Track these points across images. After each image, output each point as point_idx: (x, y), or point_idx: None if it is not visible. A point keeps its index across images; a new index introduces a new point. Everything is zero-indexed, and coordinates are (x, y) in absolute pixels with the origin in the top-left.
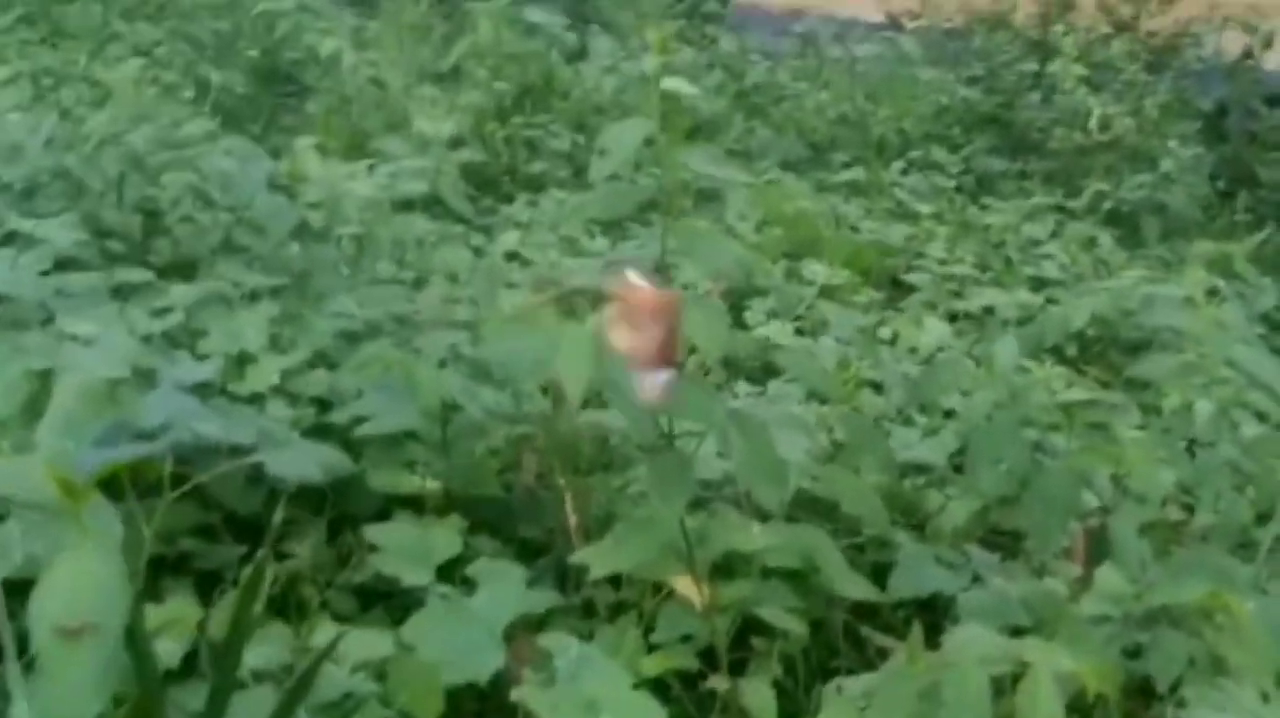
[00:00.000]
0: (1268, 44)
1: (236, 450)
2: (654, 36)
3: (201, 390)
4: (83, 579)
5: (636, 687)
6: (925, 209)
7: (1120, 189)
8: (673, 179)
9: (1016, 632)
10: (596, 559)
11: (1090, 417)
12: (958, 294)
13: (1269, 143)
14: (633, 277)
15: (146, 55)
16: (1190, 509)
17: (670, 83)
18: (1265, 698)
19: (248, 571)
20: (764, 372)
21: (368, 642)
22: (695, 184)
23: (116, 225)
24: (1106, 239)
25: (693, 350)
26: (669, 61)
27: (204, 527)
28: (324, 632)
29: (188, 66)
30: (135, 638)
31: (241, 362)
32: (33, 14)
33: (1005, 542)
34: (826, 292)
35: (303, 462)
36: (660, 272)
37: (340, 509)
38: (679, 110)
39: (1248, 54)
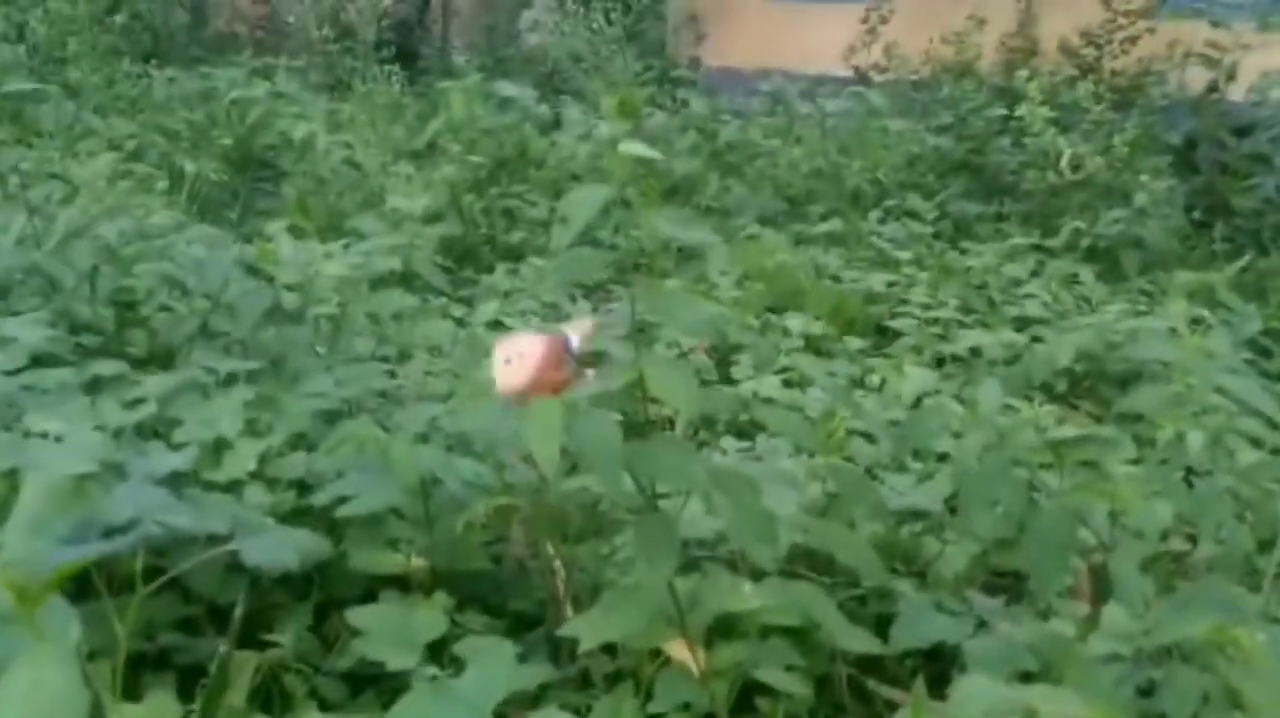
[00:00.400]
0: (1231, 76)
1: (213, 540)
2: (609, 103)
3: (176, 480)
4: (40, 689)
5: None
6: (905, 256)
7: (1096, 225)
8: (644, 241)
9: (1025, 677)
10: (586, 630)
11: (1081, 454)
12: (943, 338)
13: (1240, 172)
14: (519, 333)
15: (119, 149)
16: (1194, 539)
17: (628, 146)
18: None
19: (221, 655)
20: (753, 426)
21: None
22: (675, 244)
23: (90, 319)
24: (1087, 275)
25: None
26: (636, 125)
27: (185, 620)
28: None
29: (162, 158)
30: None
31: (218, 449)
32: (3, 114)
33: (1008, 583)
34: (811, 342)
35: (279, 548)
36: (638, 333)
37: (325, 593)
38: (650, 172)
39: (1213, 87)
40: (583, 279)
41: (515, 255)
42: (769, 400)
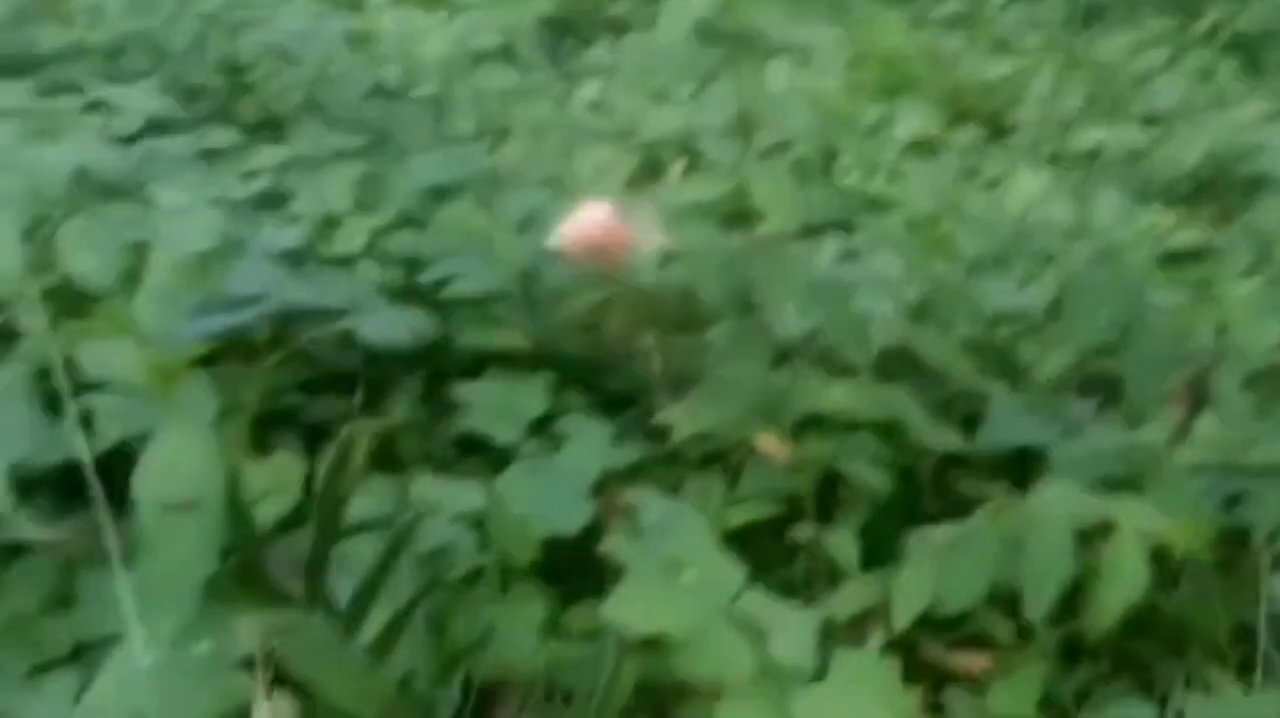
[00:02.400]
0: None
1: (330, 314)
2: None
3: (293, 256)
4: (180, 459)
5: (721, 540)
6: (1030, 42)
7: (1242, 14)
8: (749, 30)
9: (1111, 483)
10: (680, 420)
11: (1196, 272)
12: (1063, 133)
13: None
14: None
15: None
16: None
17: None
18: None
19: (342, 431)
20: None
21: (464, 495)
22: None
23: (202, 85)
24: (1226, 69)
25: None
26: None
27: (308, 383)
28: (422, 483)
29: None
30: (235, 505)
31: (330, 223)
32: None
33: (1103, 388)
34: (920, 138)
35: (392, 326)
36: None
37: (434, 365)
38: None
39: None
40: (686, 76)
41: (618, 28)
42: (872, 199)
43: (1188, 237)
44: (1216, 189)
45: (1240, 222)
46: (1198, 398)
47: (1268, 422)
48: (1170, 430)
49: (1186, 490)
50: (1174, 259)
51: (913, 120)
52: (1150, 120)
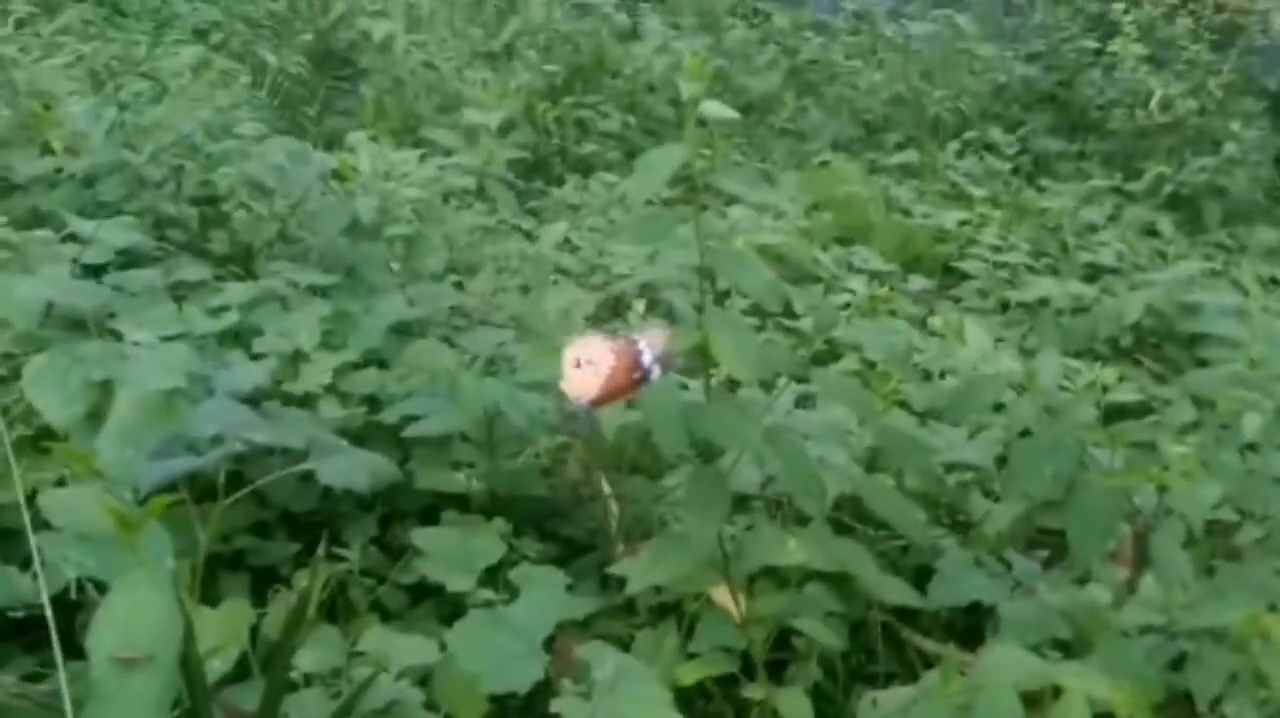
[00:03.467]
0: None
1: (289, 452)
2: (690, 61)
3: (256, 392)
4: (139, 611)
5: (674, 697)
6: (979, 192)
7: (1181, 172)
8: (712, 176)
9: (1058, 643)
10: (635, 573)
11: (1137, 433)
12: (1011, 283)
13: None
14: (591, 338)
15: (204, 38)
16: (1242, 514)
17: (709, 106)
18: None
19: (302, 574)
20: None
21: (414, 648)
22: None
23: (175, 216)
24: (1166, 224)
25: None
26: (716, 39)
27: (260, 525)
28: (372, 635)
29: (245, 47)
30: (188, 660)
31: (295, 360)
32: None
33: (1050, 542)
34: (875, 281)
35: (351, 469)
36: (699, 285)
37: (389, 506)
38: (727, 89)
39: None
40: (653, 240)
41: (586, 168)
42: (829, 343)
43: (1130, 392)
44: (1159, 342)
45: (1181, 378)
46: (1142, 556)
47: (1208, 583)
48: (1115, 590)
49: (1131, 653)
50: (1117, 414)
51: (866, 266)
52: (1094, 272)
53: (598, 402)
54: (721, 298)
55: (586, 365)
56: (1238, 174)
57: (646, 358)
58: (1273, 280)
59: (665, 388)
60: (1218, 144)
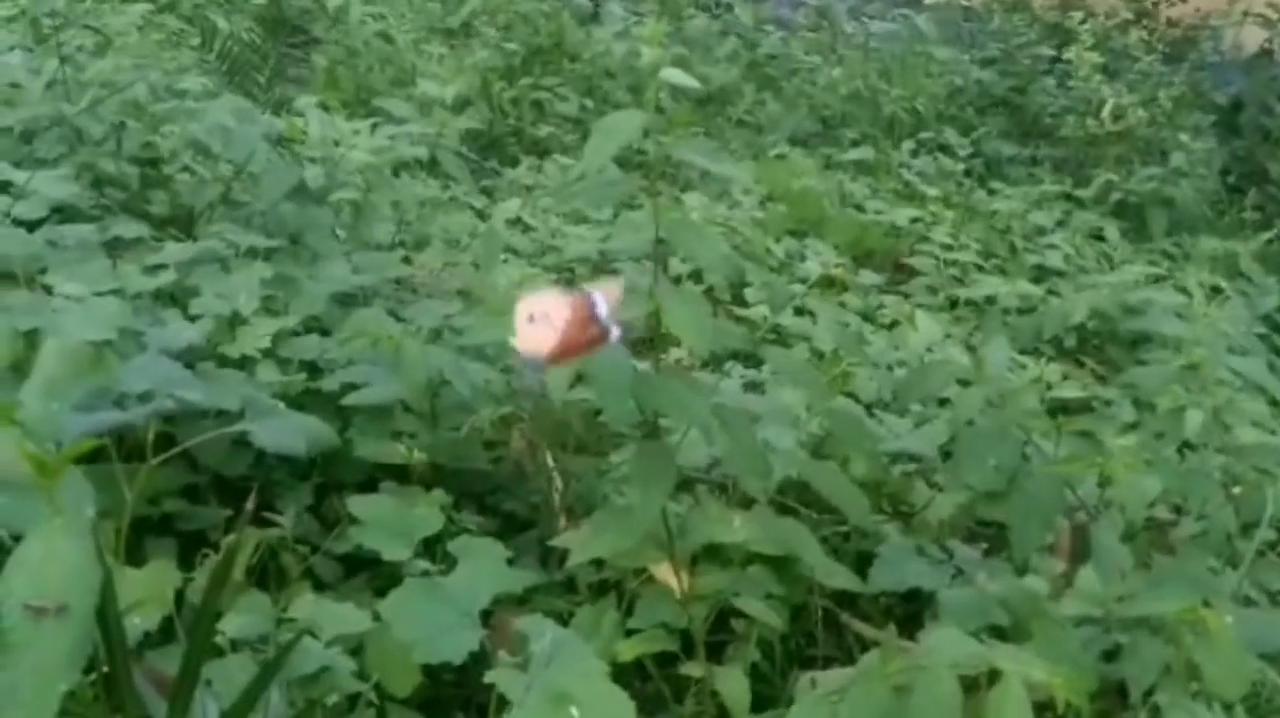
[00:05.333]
0: None
1: (223, 415)
2: (652, 28)
3: (190, 353)
4: (53, 559)
5: (612, 673)
6: (933, 191)
7: (1130, 180)
8: (669, 161)
9: (996, 630)
10: (577, 545)
11: (1080, 423)
12: (960, 281)
13: None
14: (544, 291)
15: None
16: (1179, 510)
17: (670, 73)
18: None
19: (228, 540)
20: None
21: (345, 616)
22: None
23: (114, 174)
24: (1113, 231)
25: (679, 341)
26: (676, 28)
27: (189, 488)
28: (303, 602)
29: (195, 10)
30: (105, 615)
31: (233, 323)
32: None
33: (990, 534)
34: (827, 275)
35: (288, 433)
36: (654, 258)
37: (326, 475)
38: (681, 91)
39: (1267, 50)
40: (605, 204)
41: (541, 150)
42: (778, 329)
43: (1073, 389)
44: (1102, 344)
45: (1121, 380)
46: (1079, 549)
47: (1145, 575)
48: (1052, 582)
49: (1068, 641)
50: (1059, 410)
51: (819, 258)
52: (1041, 274)
53: (551, 357)
54: (675, 282)
55: (541, 319)
56: (1184, 185)
57: (602, 311)
58: (1215, 289)
59: (615, 358)
60: (1166, 155)
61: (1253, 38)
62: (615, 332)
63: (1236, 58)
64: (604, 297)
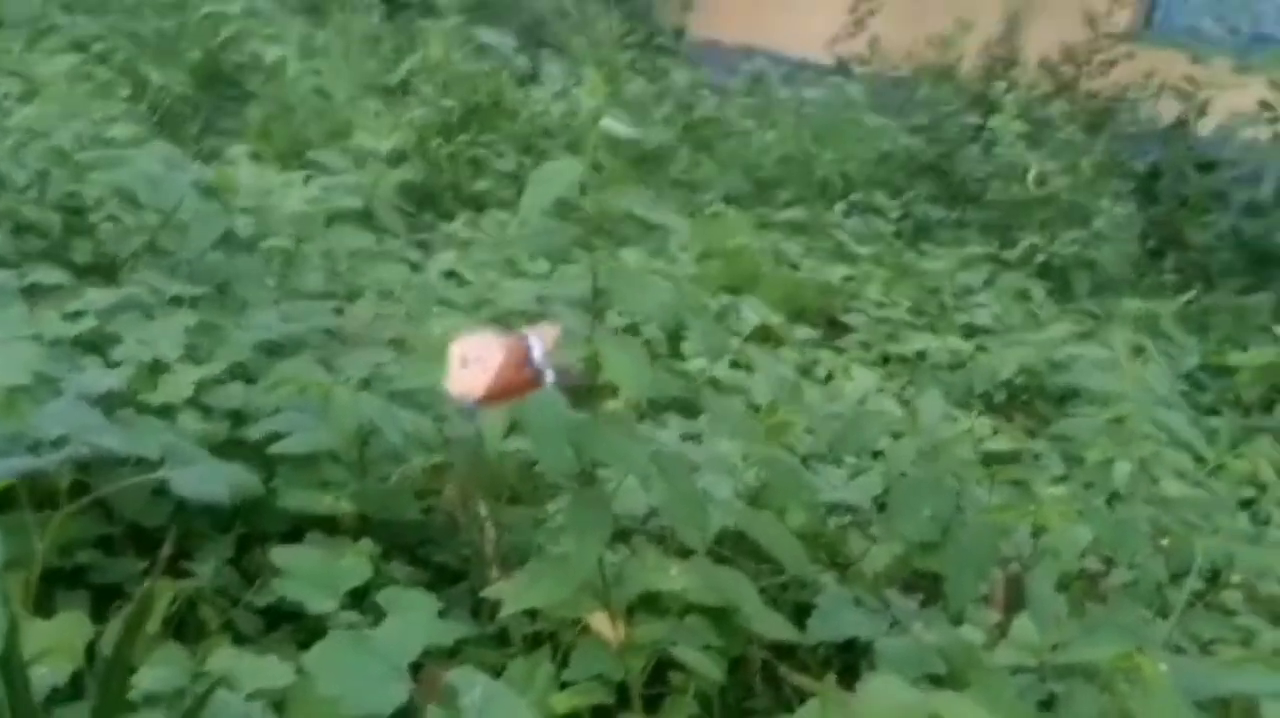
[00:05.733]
0: (1202, 112)
1: (142, 463)
2: (593, 75)
3: (109, 400)
4: None
5: None
6: (864, 251)
7: (1054, 243)
8: (606, 215)
9: (933, 679)
10: (511, 595)
11: (1012, 473)
12: (892, 337)
13: (1199, 206)
14: (477, 333)
15: (84, 49)
16: (1109, 561)
17: (607, 123)
18: None
19: (141, 589)
20: (698, 404)
21: (267, 669)
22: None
23: (35, 221)
24: (1038, 291)
25: (615, 391)
26: (615, 91)
27: (105, 539)
28: (222, 655)
29: (126, 64)
30: (9, 665)
31: (155, 371)
32: None
33: (926, 584)
34: (763, 329)
35: (209, 481)
36: (590, 308)
37: (249, 526)
38: (619, 148)
39: (1183, 121)
40: (549, 251)
41: (478, 205)
42: (715, 382)
43: (1003, 442)
44: (1030, 399)
45: (1051, 432)
46: (1014, 598)
47: (1079, 623)
48: (989, 629)
49: (1005, 688)
50: (990, 463)
51: (754, 313)
52: (970, 331)
53: (485, 399)
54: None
55: (474, 363)
56: (1106, 248)
57: (537, 353)
58: (1138, 348)
59: (550, 405)
60: (1088, 219)
61: (1168, 109)
62: (549, 374)
63: (1153, 128)
64: (539, 339)
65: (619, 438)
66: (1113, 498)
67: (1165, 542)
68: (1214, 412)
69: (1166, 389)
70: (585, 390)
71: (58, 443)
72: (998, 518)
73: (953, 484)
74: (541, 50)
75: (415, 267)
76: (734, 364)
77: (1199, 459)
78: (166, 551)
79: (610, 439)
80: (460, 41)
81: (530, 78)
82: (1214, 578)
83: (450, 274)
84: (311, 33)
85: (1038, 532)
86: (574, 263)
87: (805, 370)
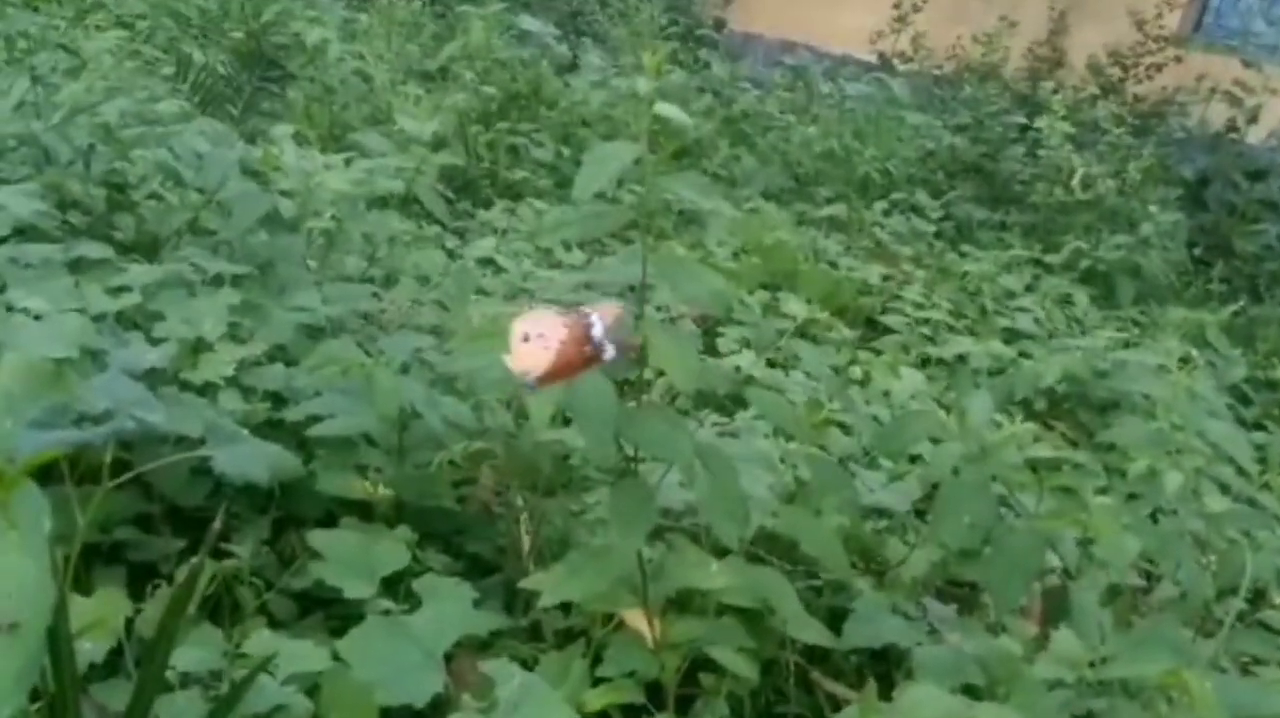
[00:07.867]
0: (1253, 119)
1: (183, 442)
2: (650, 59)
3: (152, 377)
4: (6, 575)
5: None
6: (905, 251)
7: (1098, 249)
8: (655, 201)
9: (969, 690)
10: (547, 587)
11: (1060, 479)
12: (931, 340)
13: (1248, 215)
14: (541, 310)
15: (129, 27)
16: (1150, 577)
17: (664, 107)
18: None
19: (184, 570)
20: (732, 402)
21: (303, 654)
22: (677, 206)
23: (80, 197)
24: (1081, 297)
25: (660, 375)
26: (661, 84)
27: (143, 517)
28: (258, 638)
29: (170, 43)
30: (56, 637)
31: (197, 349)
32: None
33: (963, 593)
34: (802, 326)
35: (251, 461)
36: (638, 295)
37: (286, 509)
38: (669, 134)
39: (1233, 126)
40: (599, 234)
41: (515, 194)
42: (751, 379)
43: (1045, 449)
44: (1073, 408)
45: (1096, 440)
46: (1053, 611)
47: (1124, 638)
48: (1026, 641)
49: (1045, 704)
50: (1037, 471)
51: (793, 311)
52: (1011, 336)
53: (546, 378)
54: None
55: (536, 339)
56: (1152, 255)
57: (598, 331)
58: (1184, 359)
59: (598, 391)
60: (1134, 225)
61: (1218, 115)
62: (610, 352)
63: (1202, 134)
64: (601, 317)
65: (665, 427)
66: (1157, 511)
67: (1212, 557)
68: (1260, 426)
69: (1214, 401)
70: (629, 383)
71: (102, 418)
72: (1046, 526)
73: (998, 490)
74: (581, 39)
75: (452, 254)
76: (770, 364)
77: (1241, 472)
78: (217, 526)
79: (657, 428)
80: (501, 28)
81: (570, 67)
82: (1258, 596)
83: (487, 262)
84: (354, 17)
85: (1085, 542)
86: (610, 253)
87: (840, 371)
